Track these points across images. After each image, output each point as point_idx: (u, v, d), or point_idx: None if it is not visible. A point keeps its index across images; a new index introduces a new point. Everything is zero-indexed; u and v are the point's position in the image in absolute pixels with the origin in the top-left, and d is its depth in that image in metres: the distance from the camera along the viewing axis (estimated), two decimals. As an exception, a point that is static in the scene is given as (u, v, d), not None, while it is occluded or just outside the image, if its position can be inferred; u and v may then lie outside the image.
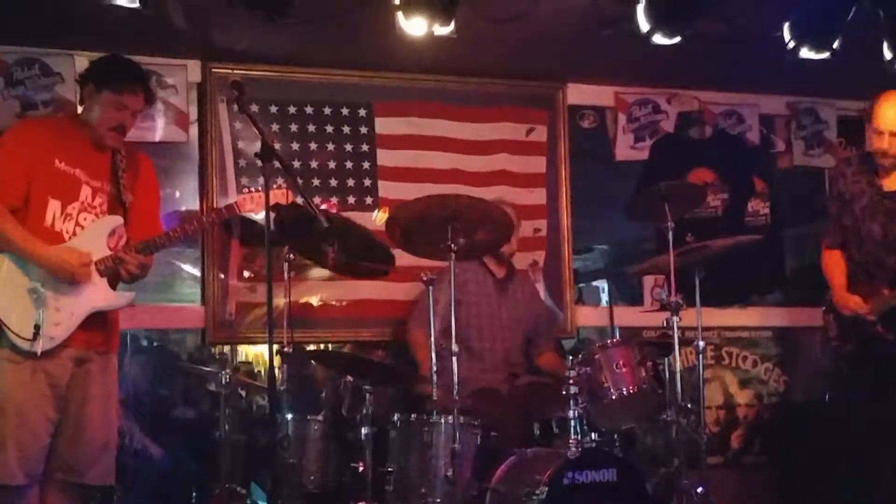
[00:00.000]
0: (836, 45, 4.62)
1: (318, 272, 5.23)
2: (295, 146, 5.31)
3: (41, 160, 3.61)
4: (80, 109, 3.85)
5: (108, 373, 3.77)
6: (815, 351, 4.99)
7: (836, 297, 4.54)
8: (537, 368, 5.03)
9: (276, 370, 4.13)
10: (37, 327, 3.46)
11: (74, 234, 3.64)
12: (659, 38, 4.52)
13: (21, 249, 3.52)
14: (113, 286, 3.73)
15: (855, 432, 4.49)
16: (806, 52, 4.65)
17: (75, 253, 3.58)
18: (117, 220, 3.74)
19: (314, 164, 5.33)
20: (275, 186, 4.07)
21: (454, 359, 3.99)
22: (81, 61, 4.85)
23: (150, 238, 3.77)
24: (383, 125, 5.46)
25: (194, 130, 5.19)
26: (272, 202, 4.03)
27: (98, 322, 3.69)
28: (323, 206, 4.31)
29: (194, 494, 5.01)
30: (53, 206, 3.61)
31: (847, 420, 4.55)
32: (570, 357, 4.20)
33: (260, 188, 3.95)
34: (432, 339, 4.25)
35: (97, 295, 3.66)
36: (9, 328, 3.46)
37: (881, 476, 4.43)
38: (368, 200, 5.39)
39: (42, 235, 3.57)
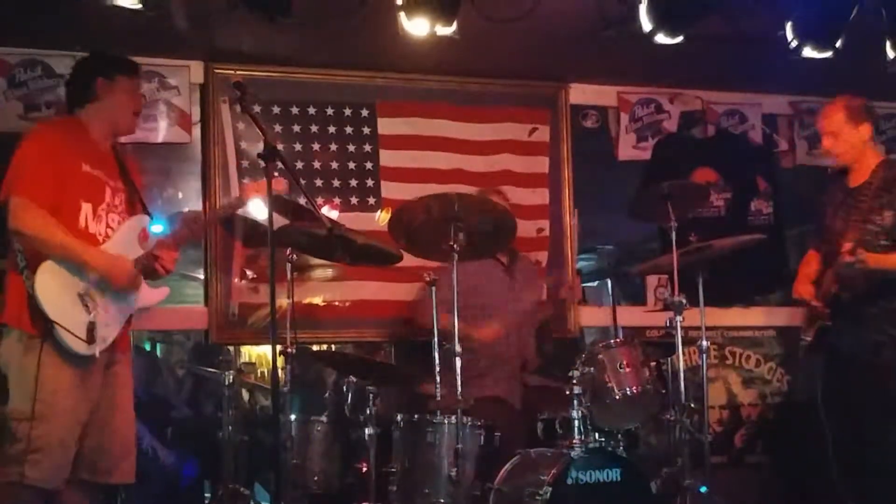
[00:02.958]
0: (838, 44, 4.62)
1: (321, 273, 5.24)
2: (297, 147, 5.31)
3: (69, 164, 3.61)
4: (79, 111, 3.81)
5: (128, 371, 3.82)
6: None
7: (794, 287, 4.67)
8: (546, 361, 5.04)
9: (280, 371, 4.15)
10: (91, 330, 3.47)
11: (107, 235, 3.68)
12: (661, 38, 4.52)
13: (77, 257, 3.50)
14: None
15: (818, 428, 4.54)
16: (808, 52, 4.65)
17: (129, 263, 3.61)
18: (145, 219, 3.81)
19: (317, 165, 5.33)
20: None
21: (457, 359, 3.99)
22: (84, 62, 4.88)
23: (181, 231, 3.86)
24: (386, 125, 5.46)
25: (197, 131, 5.19)
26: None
27: (127, 320, 3.75)
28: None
29: (199, 495, 5.02)
30: (85, 209, 3.63)
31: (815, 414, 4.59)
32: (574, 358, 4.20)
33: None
34: (435, 339, 4.25)
35: (140, 293, 3.72)
36: (67, 330, 3.43)
37: (882, 475, 4.44)
38: (371, 201, 5.39)
39: (78, 238, 3.57)
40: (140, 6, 4.14)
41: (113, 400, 3.68)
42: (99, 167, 3.70)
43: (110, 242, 3.67)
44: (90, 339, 3.46)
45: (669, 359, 4.58)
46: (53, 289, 3.47)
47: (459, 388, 3.96)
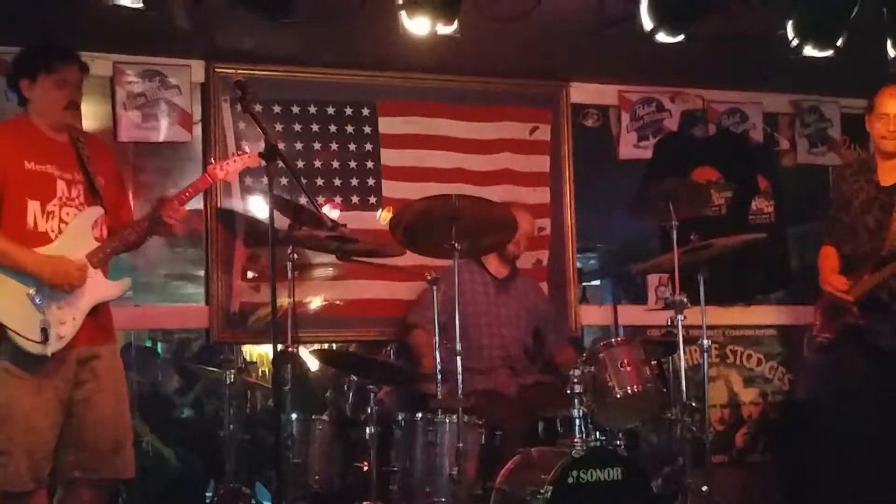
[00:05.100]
0: (839, 42, 4.61)
1: (321, 272, 5.24)
2: (298, 146, 5.31)
3: (9, 165, 3.57)
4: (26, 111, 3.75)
5: (113, 365, 3.77)
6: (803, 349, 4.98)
7: (821, 278, 4.56)
8: (549, 366, 5.04)
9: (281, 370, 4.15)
10: (44, 330, 3.45)
11: (60, 231, 3.62)
12: (662, 37, 4.52)
13: (12, 262, 3.49)
14: (105, 275, 3.73)
15: (840, 431, 4.49)
16: (809, 50, 4.65)
17: (67, 262, 3.56)
18: (98, 211, 3.73)
19: (318, 164, 5.33)
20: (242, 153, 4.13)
21: (458, 358, 3.99)
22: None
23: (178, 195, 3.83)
24: (387, 124, 5.45)
25: (198, 130, 5.18)
26: (243, 167, 4.08)
27: (96, 313, 3.69)
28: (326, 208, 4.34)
29: (201, 494, 5.03)
30: (33, 206, 3.59)
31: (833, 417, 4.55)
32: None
33: (232, 154, 4.12)
34: (436, 338, 4.26)
35: (96, 287, 3.65)
36: (17, 333, 3.43)
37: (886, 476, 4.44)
38: (372, 200, 5.39)
39: (27, 238, 3.55)
40: (141, 6, 4.14)
41: (92, 395, 3.64)
42: (48, 161, 3.65)
43: (60, 239, 3.62)
44: (43, 338, 3.44)
45: (670, 358, 4.58)
46: (0, 293, 3.47)
47: (460, 388, 3.97)
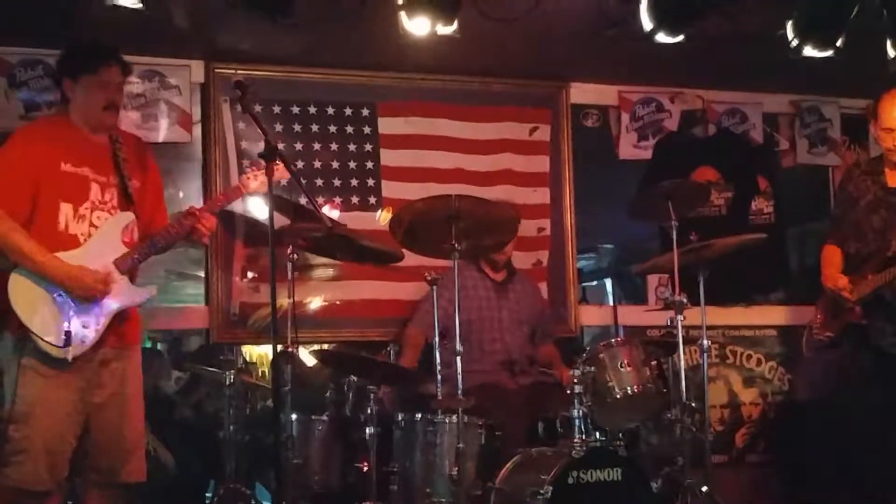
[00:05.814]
0: (839, 43, 4.62)
1: (321, 272, 5.24)
2: (298, 146, 5.31)
3: (46, 165, 3.59)
4: (67, 108, 3.78)
5: (133, 368, 3.77)
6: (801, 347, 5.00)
7: (824, 276, 4.59)
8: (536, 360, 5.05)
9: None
10: (67, 333, 3.45)
11: (89, 235, 3.63)
12: (662, 37, 4.52)
13: (38, 267, 3.49)
14: (132, 281, 3.76)
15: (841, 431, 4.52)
16: (809, 51, 4.65)
17: (90, 274, 3.56)
18: (129, 216, 3.74)
19: (317, 164, 5.33)
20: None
21: (458, 358, 3.99)
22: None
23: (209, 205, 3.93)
24: (386, 125, 5.46)
25: (198, 131, 5.19)
26: (275, 179, 4.05)
27: (121, 317, 3.70)
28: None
29: (201, 494, 5.02)
30: (65, 209, 3.60)
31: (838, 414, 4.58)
32: (575, 356, 4.20)
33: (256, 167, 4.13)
34: (436, 338, 4.25)
35: (121, 293, 3.66)
36: (38, 336, 3.44)
37: (884, 473, 4.44)
38: (372, 200, 5.39)
39: (57, 240, 3.55)
40: (141, 6, 4.14)
41: (112, 397, 3.65)
42: (85, 164, 3.66)
43: (89, 243, 3.63)
44: (66, 342, 3.44)
45: (670, 358, 4.58)
46: (26, 293, 3.47)
47: (460, 388, 3.96)
